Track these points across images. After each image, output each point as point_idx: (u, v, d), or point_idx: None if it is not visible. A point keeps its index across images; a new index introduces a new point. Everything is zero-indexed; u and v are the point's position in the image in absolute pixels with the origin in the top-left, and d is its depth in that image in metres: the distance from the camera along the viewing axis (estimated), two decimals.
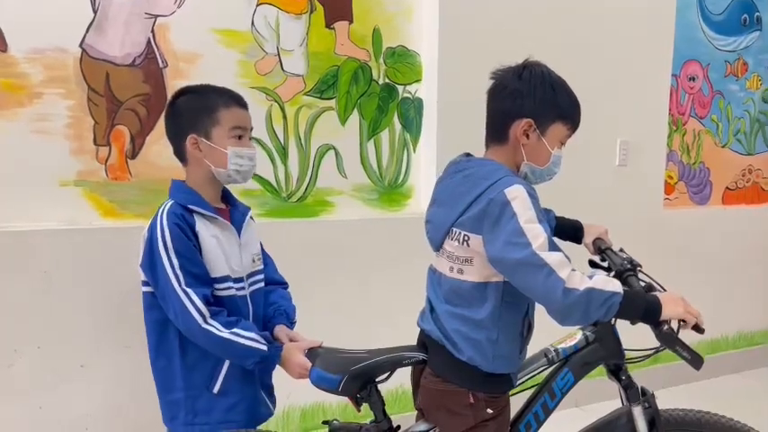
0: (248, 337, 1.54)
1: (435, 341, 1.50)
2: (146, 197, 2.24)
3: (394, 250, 2.64)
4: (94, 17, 2.15)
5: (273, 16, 2.45)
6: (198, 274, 1.55)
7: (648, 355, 1.59)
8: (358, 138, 2.67)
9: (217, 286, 1.59)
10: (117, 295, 2.07)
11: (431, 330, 1.51)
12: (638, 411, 1.60)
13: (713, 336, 3.72)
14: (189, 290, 1.51)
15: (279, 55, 2.48)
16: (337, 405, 2.57)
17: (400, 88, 2.75)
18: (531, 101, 1.43)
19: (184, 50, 2.29)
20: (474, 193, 1.40)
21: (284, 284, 1.88)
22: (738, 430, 1.64)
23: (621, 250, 1.69)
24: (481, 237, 1.38)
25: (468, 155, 1.56)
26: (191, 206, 1.59)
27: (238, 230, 1.68)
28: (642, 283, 1.51)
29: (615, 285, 1.33)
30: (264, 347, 1.55)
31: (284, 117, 2.51)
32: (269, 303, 1.78)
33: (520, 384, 1.59)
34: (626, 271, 1.55)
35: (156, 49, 2.25)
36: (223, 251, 1.61)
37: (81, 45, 2.14)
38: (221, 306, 1.58)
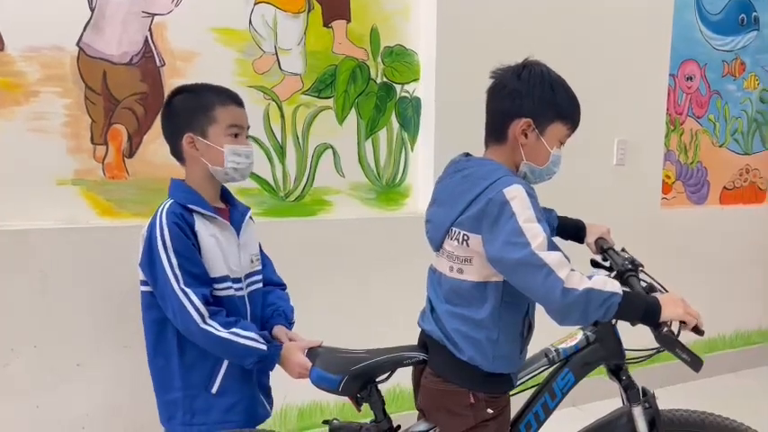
0: (247, 337, 1.53)
1: (436, 341, 1.50)
2: (143, 196, 2.23)
3: (392, 250, 2.64)
4: (91, 16, 2.14)
5: (271, 15, 2.45)
6: (197, 274, 1.54)
7: (649, 356, 1.59)
8: (356, 137, 2.67)
9: (216, 286, 1.59)
10: (114, 294, 2.07)
11: (431, 330, 1.51)
12: (638, 411, 1.60)
13: (710, 335, 3.73)
14: (188, 290, 1.50)
15: (276, 54, 2.48)
16: (335, 404, 2.56)
17: (398, 87, 2.75)
18: (529, 100, 1.43)
19: (182, 49, 2.28)
20: (473, 193, 1.39)
21: (282, 286, 1.87)
22: None
23: (623, 250, 1.69)
24: (480, 236, 1.38)
25: (467, 155, 1.55)
26: (190, 205, 1.58)
27: (237, 230, 1.68)
28: (643, 284, 1.51)
29: (614, 286, 1.32)
30: (264, 347, 1.55)
31: (282, 116, 2.50)
32: (267, 304, 1.77)
33: (520, 384, 1.59)
34: (627, 271, 1.55)
35: (153, 48, 2.25)
36: (222, 251, 1.61)
37: (78, 44, 2.13)
38: (220, 306, 1.57)
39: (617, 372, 1.64)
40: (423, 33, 2.74)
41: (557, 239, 1.76)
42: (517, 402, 1.63)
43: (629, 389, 1.61)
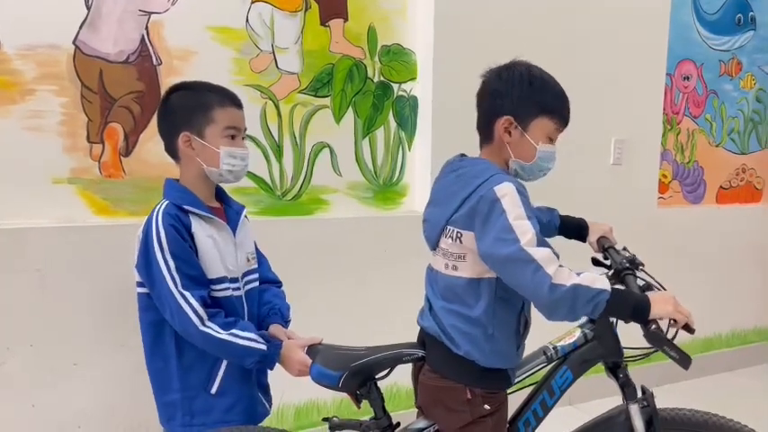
0: (247, 338, 1.53)
1: (433, 337, 1.52)
2: (139, 195, 2.23)
3: (389, 249, 2.64)
4: (88, 14, 2.13)
5: (268, 14, 2.44)
6: (194, 276, 1.54)
7: (647, 354, 1.59)
8: (353, 136, 2.67)
9: (214, 287, 1.59)
10: (111, 293, 2.06)
11: (429, 326, 1.53)
12: (634, 409, 1.60)
13: (707, 334, 3.74)
14: (186, 292, 1.50)
15: (273, 53, 2.47)
16: (332, 403, 2.56)
17: (395, 86, 2.75)
18: (509, 99, 1.46)
19: (179, 48, 2.28)
20: (466, 191, 1.42)
21: (278, 283, 1.87)
22: None
23: (625, 249, 1.70)
24: (473, 233, 1.41)
25: (462, 155, 1.58)
26: (186, 206, 1.57)
27: (233, 229, 1.67)
28: (641, 282, 1.52)
29: (603, 283, 1.34)
30: (263, 346, 1.55)
31: (279, 115, 2.50)
32: (263, 303, 1.77)
33: (519, 382, 1.60)
34: (624, 269, 1.55)
35: (150, 47, 2.24)
36: (219, 251, 1.60)
37: (74, 42, 2.12)
38: (219, 306, 1.57)
39: (615, 369, 1.64)
40: (420, 32, 2.74)
41: (559, 238, 1.80)
42: (516, 400, 1.63)
43: (626, 386, 1.62)
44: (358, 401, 1.55)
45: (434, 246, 1.55)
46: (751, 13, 3.85)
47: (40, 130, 2.09)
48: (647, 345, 1.40)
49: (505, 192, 1.37)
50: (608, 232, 1.79)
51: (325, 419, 1.57)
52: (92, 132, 2.17)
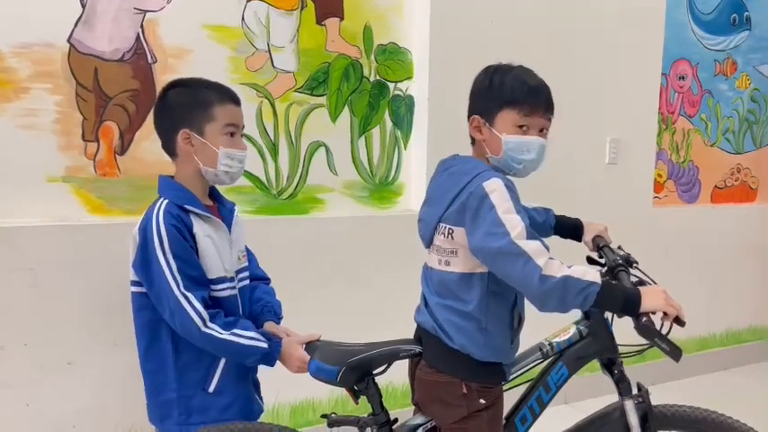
0: (248, 337, 1.54)
1: (429, 332, 1.54)
2: (134, 193, 2.22)
3: (385, 248, 2.64)
4: (83, 12, 2.13)
5: (264, 12, 2.44)
6: (196, 277, 1.53)
7: (641, 350, 1.60)
8: (349, 135, 2.66)
9: (215, 287, 1.59)
10: (105, 292, 2.06)
11: (424, 322, 1.55)
12: (629, 405, 1.61)
13: (702, 334, 3.75)
14: (188, 294, 1.50)
15: (269, 51, 2.47)
16: (328, 401, 2.56)
17: (391, 85, 2.75)
18: (476, 100, 1.54)
19: (174, 46, 2.27)
20: (457, 189, 1.46)
21: (267, 280, 1.88)
22: None
23: (620, 248, 1.71)
24: (463, 229, 1.43)
25: (455, 155, 1.61)
26: (186, 205, 1.56)
27: (228, 228, 1.67)
28: (634, 279, 1.53)
29: (593, 276, 1.35)
30: (265, 345, 1.55)
31: (275, 114, 2.50)
32: (255, 300, 1.77)
33: (515, 378, 1.61)
34: (618, 266, 1.56)
35: (145, 45, 2.24)
36: (217, 251, 1.60)
37: (69, 40, 2.11)
38: (219, 306, 1.57)
39: (610, 366, 1.65)
40: (416, 31, 2.74)
41: (555, 238, 1.81)
42: (512, 397, 1.64)
43: (621, 382, 1.62)
44: (356, 397, 1.56)
45: (428, 244, 1.58)
46: (746, 13, 3.86)
47: (34, 128, 2.08)
48: (642, 341, 1.41)
49: (494, 187, 1.40)
50: (603, 231, 1.80)
51: (324, 416, 1.58)
52: (87, 131, 2.16)
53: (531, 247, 1.34)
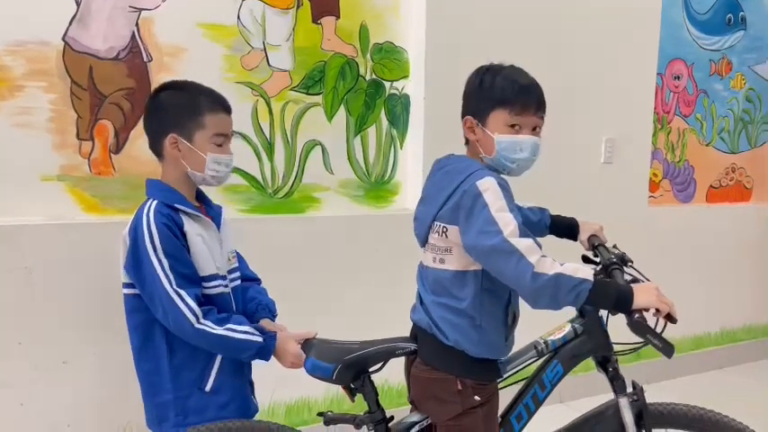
0: (242, 331, 1.54)
1: (424, 330, 1.55)
2: (129, 192, 2.22)
3: (381, 247, 2.64)
4: (77, 10, 2.12)
5: (260, 11, 2.44)
6: (188, 275, 1.54)
7: (636, 348, 1.60)
8: (345, 134, 2.66)
9: (207, 284, 1.59)
10: (100, 291, 2.05)
11: (420, 320, 1.56)
12: (624, 403, 1.61)
13: (697, 332, 3.76)
14: (181, 291, 1.50)
15: (265, 50, 2.47)
16: (323, 400, 2.56)
17: (387, 84, 2.75)
18: (468, 100, 1.56)
19: (169, 44, 2.27)
20: (451, 188, 1.47)
21: (258, 280, 1.89)
22: (739, 431, 1.64)
23: (615, 247, 1.72)
24: (457, 227, 1.45)
25: (450, 155, 1.62)
26: (176, 205, 1.57)
27: (217, 227, 1.69)
28: (628, 277, 1.53)
29: (586, 273, 1.37)
30: (260, 338, 1.55)
31: (270, 112, 2.49)
32: (248, 299, 1.78)
33: (510, 376, 1.62)
34: (612, 265, 1.57)
35: (140, 43, 2.23)
36: (209, 249, 1.61)
37: (64, 38, 2.11)
38: (212, 304, 1.57)
39: (604, 364, 1.65)
40: (412, 30, 2.74)
41: (551, 237, 1.82)
42: (508, 395, 1.64)
43: (616, 380, 1.62)
44: (352, 395, 1.57)
45: (424, 242, 1.59)
46: (741, 13, 3.87)
47: (28, 126, 2.07)
48: (635, 339, 1.41)
49: (487, 186, 1.41)
50: (598, 231, 1.81)
51: (320, 414, 1.59)
52: (81, 129, 2.16)
53: (524, 244, 1.36)
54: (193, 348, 1.56)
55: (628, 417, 1.60)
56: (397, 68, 2.76)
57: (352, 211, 2.69)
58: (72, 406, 2.08)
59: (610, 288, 1.39)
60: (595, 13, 3.13)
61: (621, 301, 1.38)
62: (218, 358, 1.60)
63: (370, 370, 1.55)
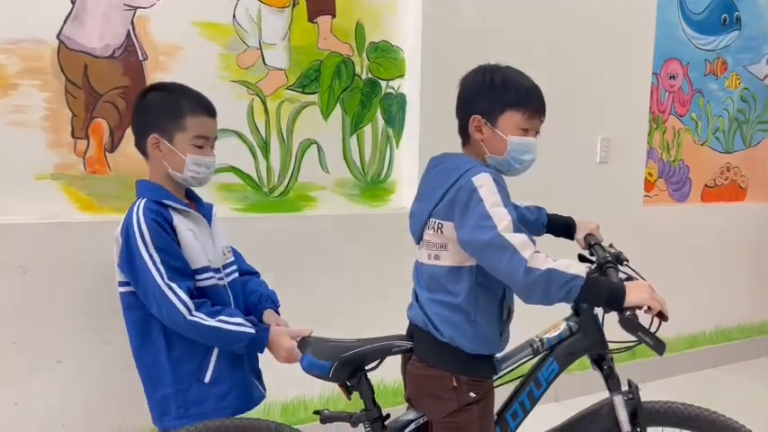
0: (234, 323, 1.55)
1: (419, 327, 1.55)
2: (124, 191, 2.21)
3: (376, 246, 2.64)
4: (72, 8, 2.11)
5: (255, 9, 2.43)
6: (179, 268, 1.56)
7: (631, 346, 1.61)
8: (340, 133, 2.66)
9: (199, 277, 1.61)
10: (95, 290, 2.04)
11: (415, 317, 1.57)
12: (618, 400, 1.62)
13: (691, 331, 3.77)
14: (173, 284, 1.52)
15: (261, 49, 2.46)
16: (319, 399, 2.56)
17: (383, 83, 2.74)
18: (475, 100, 1.55)
19: (165, 43, 2.26)
20: (447, 184, 1.48)
21: (257, 273, 1.91)
22: (735, 430, 1.65)
23: (611, 246, 1.73)
24: (452, 223, 1.46)
25: (446, 153, 1.63)
26: (165, 201, 1.60)
27: (208, 224, 1.71)
28: (623, 276, 1.54)
29: (578, 269, 1.37)
30: (252, 330, 1.57)
31: (266, 111, 2.49)
32: (250, 292, 1.81)
33: (505, 374, 1.63)
34: (606, 263, 1.58)
35: (135, 42, 2.22)
36: (200, 243, 1.63)
37: (58, 36, 2.10)
38: (205, 296, 1.59)
39: (599, 362, 1.66)
40: (408, 29, 2.74)
41: (548, 236, 1.83)
42: (503, 393, 1.65)
43: (611, 378, 1.63)
44: (348, 393, 1.57)
45: (419, 239, 1.60)
46: (736, 13, 3.88)
47: (23, 125, 2.06)
48: (630, 337, 1.42)
49: (483, 182, 1.42)
50: (595, 230, 1.83)
51: (317, 412, 1.59)
52: (76, 128, 2.15)
53: (517, 239, 1.37)
54: (191, 341, 1.58)
55: (622, 415, 1.61)
56: (392, 67, 2.76)
57: (348, 211, 2.68)
58: (67, 405, 2.07)
59: (602, 285, 1.40)
60: (591, 12, 3.13)
61: (613, 299, 1.38)
62: (216, 350, 1.62)
63: (367, 368, 1.56)
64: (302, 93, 2.56)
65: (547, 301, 1.38)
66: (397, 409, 1.69)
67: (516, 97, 1.51)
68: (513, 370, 1.64)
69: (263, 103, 2.48)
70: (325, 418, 1.57)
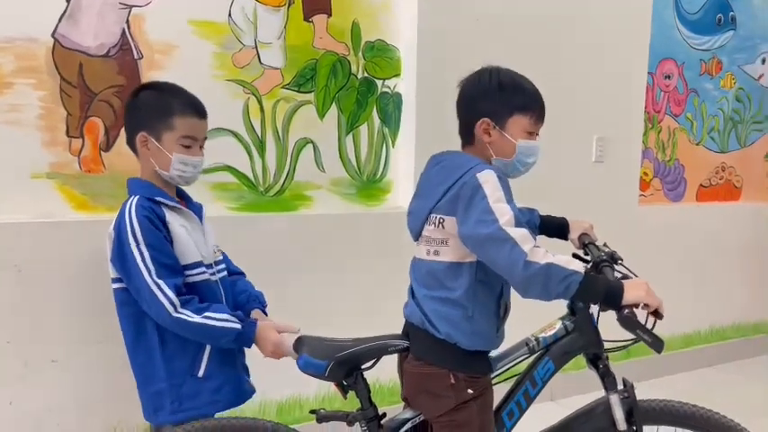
0: (220, 319, 1.57)
1: (416, 325, 1.55)
2: (119, 190, 2.19)
3: (372, 245, 2.64)
4: (67, 6, 2.10)
5: (251, 8, 2.43)
6: (169, 265, 1.57)
7: (626, 345, 1.61)
8: (336, 132, 2.66)
9: (191, 272, 1.63)
10: (90, 289, 2.04)
11: (412, 314, 1.57)
12: (614, 399, 1.62)
13: (686, 330, 3.78)
14: (160, 281, 1.54)
15: (256, 47, 2.46)
16: (315, 398, 2.56)
17: (379, 83, 2.74)
18: (484, 102, 1.55)
19: (160, 42, 2.26)
20: (450, 181, 1.48)
21: (243, 274, 1.93)
22: (731, 428, 1.66)
23: (605, 245, 1.73)
24: (455, 218, 1.46)
25: (446, 151, 1.63)
26: (157, 198, 1.62)
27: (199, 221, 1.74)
28: (618, 275, 1.54)
29: (577, 266, 1.39)
30: (238, 325, 1.58)
31: (262, 110, 2.48)
32: (239, 291, 1.84)
33: (502, 373, 1.63)
34: (602, 262, 1.58)
35: (130, 40, 2.22)
36: (193, 239, 1.65)
37: (53, 35, 2.09)
38: (197, 292, 1.61)
39: (595, 361, 1.66)
40: (404, 29, 2.74)
41: (541, 238, 1.81)
42: (499, 392, 1.65)
43: (606, 377, 1.63)
44: (344, 392, 1.57)
45: (417, 236, 1.60)
46: (731, 13, 3.89)
47: (17, 124, 2.05)
48: (626, 335, 1.42)
49: (487, 178, 1.43)
50: (588, 229, 1.83)
51: (312, 412, 1.59)
52: (71, 127, 2.14)
53: (518, 233, 1.38)
54: (184, 337, 1.60)
55: (618, 413, 1.61)
56: (388, 67, 2.76)
57: (343, 210, 2.68)
58: (61, 405, 2.07)
59: (600, 282, 1.41)
60: (587, 12, 3.14)
61: (611, 296, 1.39)
62: (209, 345, 1.64)
63: (363, 367, 1.56)
64: (298, 92, 2.56)
65: (545, 296, 1.39)
66: (392, 409, 1.68)
67: (524, 101, 1.54)
68: (509, 369, 1.64)
69: (259, 102, 2.48)
70: (322, 417, 1.57)
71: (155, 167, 1.65)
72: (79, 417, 2.10)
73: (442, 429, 1.54)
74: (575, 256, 1.76)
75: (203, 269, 1.66)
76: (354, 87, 2.68)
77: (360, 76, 2.69)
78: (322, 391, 2.56)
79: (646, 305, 1.39)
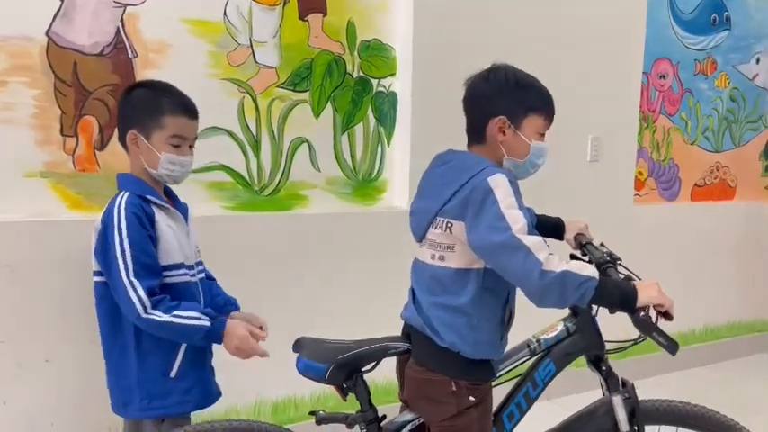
0: (189, 317, 1.57)
1: (418, 330, 1.53)
2: (114, 189, 2.15)
3: (368, 245, 2.63)
4: (61, 5, 2.09)
5: (246, 7, 2.42)
6: (148, 265, 1.58)
7: (627, 346, 1.61)
8: (331, 131, 2.65)
9: (173, 273, 1.65)
10: (83, 289, 2.01)
11: (413, 320, 1.55)
12: (617, 401, 1.62)
13: (681, 330, 3.79)
14: (135, 281, 1.54)
15: (251, 46, 2.45)
16: (310, 398, 2.55)
17: (374, 82, 2.74)
18: (500, 100, 1.51)
19: (154, 40, 2.24)
20: (458, 183, 1.45)
21: (215, 279, 1.94)
22: (731, 427, 1.66)
23: (602, 245, 1.73)
24: (464, 223, 1.43)
25: (451, 150, 1.60)
26: (147, 196, 1.63)
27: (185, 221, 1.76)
28: (621, 276, 1.54)
29: (591, 271, 1.37)
30: (207, 323, 1.58)
31: (257, 109, 2.48)
32: (215, 294, 1.86)
33: (503, 374, 1.62)
34: (605, 263, 1.57)
35: (125, 39, 2.20)
36: (177, 240, 1.67)
37: (47, 33, 2.08)
38: (177, 292, 1.62)
39: (597, 362, 1.66)
40: (400, 28, 2.73)
41: None
42: (499, 393, 1.64)
43: (609, 378, 1.64)
44: (344, 394, 1.56)
45: (421, 238, 1.57)
46: (726, 13, 3.90)
47: (11, 122, 2.04)
48: (627, 337, 1.42)
49: (498, 183, 1.40)
50: (584, 229, 1.83)
51: (312, 413, 1.58)
52: (65, 125, 2.13)
53: (532, 241, 1.35)
54: (158, 336, 1.60)
55: (621, 415, 1.61)
56: (384, 66, 2.75)
57: (339, 209, 2.67)
58: (55, 404, 2.06)
59: (615, 286, 1.40)
60: (582, 12, 3.14)
61: (626, 299, 1.38)
62: (183, 346, 1.64)
63: (363, 369, 1.55)
64: (293, 91, 2.55)
65: (561, 304, 1.37)
66: (388, 408, 1.68)
67: (540, 101, 1.52)
68: (510, 370, 1.63)
69: (254, 101, 2.47)
70: (321, 419, 1.56)
71: (144, 165, 1.66)
72: (73, 417, 2.09)
73: None
74: (572, 256, 1.76)
75: (185, 270, 1.68)
76: (350, 86, 2.67)
77: (355, 75, 2.68)
78: (317, 391, 2.55)
79: (658, 306, 1.38)
